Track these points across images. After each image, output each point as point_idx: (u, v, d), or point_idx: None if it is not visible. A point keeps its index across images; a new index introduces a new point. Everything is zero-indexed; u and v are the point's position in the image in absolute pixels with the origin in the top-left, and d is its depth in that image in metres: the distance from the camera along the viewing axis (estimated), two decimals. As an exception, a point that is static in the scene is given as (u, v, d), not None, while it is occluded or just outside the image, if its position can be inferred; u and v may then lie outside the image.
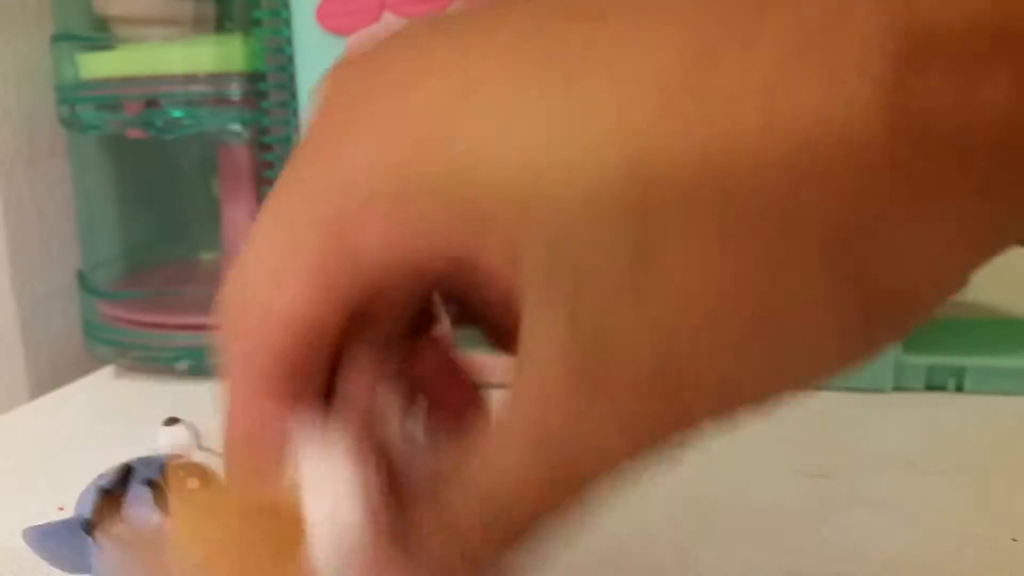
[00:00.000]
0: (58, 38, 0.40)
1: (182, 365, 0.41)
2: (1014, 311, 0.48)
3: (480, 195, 0.13)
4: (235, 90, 0.38)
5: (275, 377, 0.16)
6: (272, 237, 0.15)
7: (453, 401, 0.18)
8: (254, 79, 0.37)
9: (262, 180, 0.40)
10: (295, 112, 0.37)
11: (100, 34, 0.41)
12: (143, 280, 0.46)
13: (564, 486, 0.14)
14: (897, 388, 0.38)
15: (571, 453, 0.14)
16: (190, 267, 0.47)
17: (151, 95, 0.38)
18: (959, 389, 0.37)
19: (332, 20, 0.36)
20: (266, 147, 0.38)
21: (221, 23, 0.40)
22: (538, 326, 0.14)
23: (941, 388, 0.38)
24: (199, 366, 0.41)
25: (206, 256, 0.46)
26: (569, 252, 0.13)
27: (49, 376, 0.47)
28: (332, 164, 0.15)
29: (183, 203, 0.45)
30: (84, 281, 0.44)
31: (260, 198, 0.39)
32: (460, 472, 0.15)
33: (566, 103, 0.13)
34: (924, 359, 0.37)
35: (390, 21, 0.36)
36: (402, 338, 0.17)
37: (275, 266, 0.15)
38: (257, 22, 0.37)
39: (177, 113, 0.38)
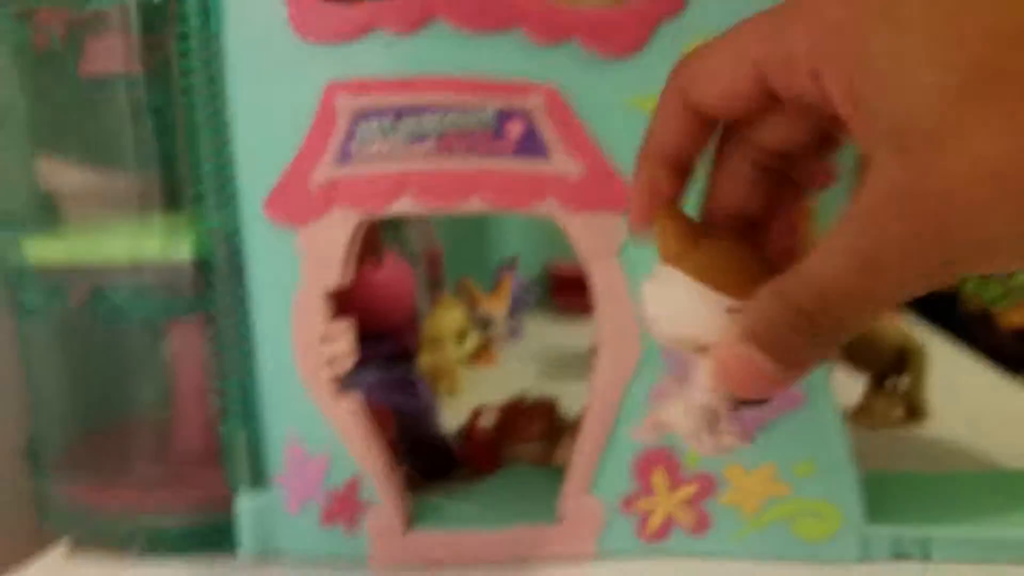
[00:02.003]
0: (2, 224, 0.40)
1: (137, 545, 0.40)
2: (989, 459, 0.48)
3: (866, 80, 0.19)
4: (182, 278, 0.37)
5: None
6: (730, 47, 0.23)
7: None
8: (201, 267, 0.37)
9: (213, 353, 0.39)
10: (243, 300, 0.37)
11: (46, 214, 0.41)
12: (97, 450, 0.44)
13: (873, 297, 0.20)
14: (863, 558, 0.37)
15: (882, 273, 0.19)
16: (145, 432, 0.45)
17: (96, 283, 0.37)
18: (926, 557, 0.37)
19: (280, 210, 0.36)
20: (214, 331, 0.37)
21: (170, 202, 0.40)
22: (876, 169, 0.19)
23: (908, 556, 0.37)
24: (156, 545, 0.40)
25: (161, 415, 0.45)
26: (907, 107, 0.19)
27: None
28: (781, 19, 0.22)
29: (134, 370, 0.44)
30: (33, 455, 0.43)
31: (208, 368, 0.38)
32: (798, 274, 0.21)
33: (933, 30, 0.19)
34: (889, 529, 0.37)
35: (337, 216, 0.36)
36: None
37: (720, 62, 0.23)
38: (200, 201, 0.36)
39: (122, 302, 0.37)
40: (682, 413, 0.24)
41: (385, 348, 0.64)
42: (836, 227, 0.20)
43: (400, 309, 0.69)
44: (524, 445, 0.43)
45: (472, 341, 0.61)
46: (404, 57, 0.35)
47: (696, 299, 0.23)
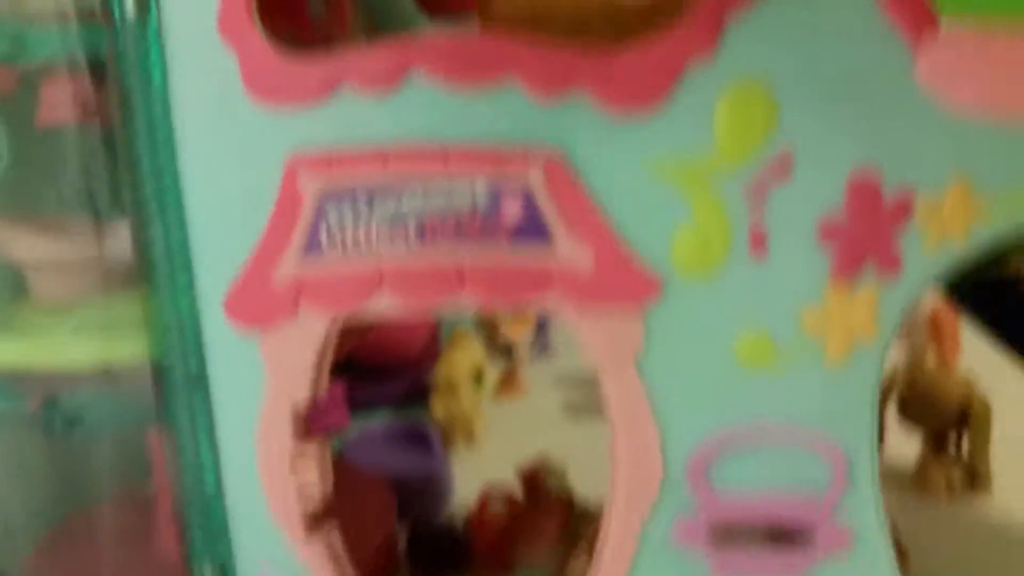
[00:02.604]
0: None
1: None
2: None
3: None
4: (141, 383, 0.33)
5: None
6: None
7: None
8: (159, 372, 0.32)
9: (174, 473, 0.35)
10: (205, 412, 0.32)
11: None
12: (61, 560, 0.41)
13: None
14: None
15: None
16: (112, 543, 0.42)
17: (50, 390, 0.33)
18: None
19: (241, 312, 0.31)
20: (174, 447, 0.33)
21: (139, 276, 0.35)
22: None
23: None
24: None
25: (133, 523, 0.41)
26: None
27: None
28: None
29: (100, 478, 0.40)
30: None
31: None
32: None
33: None
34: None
35: (304, 319, 0.30)
36: None
37: None
38: (154, 294, 0.31)
39: (78, 409, 0.33)
40: None
41: (398, 386, 0.60)
42: None
43: (418, 336, 0.64)
44: (538, 548, 0.38)
45: (491, 380, 0.56)
46: (377, 122, 0.29)
47: None
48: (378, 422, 0.54)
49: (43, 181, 0.36)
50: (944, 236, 0.29)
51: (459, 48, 0.28)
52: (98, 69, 0.33)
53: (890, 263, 0.29)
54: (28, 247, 0.37)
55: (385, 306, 0.30)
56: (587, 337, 0.30)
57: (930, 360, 0.60)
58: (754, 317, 0.30)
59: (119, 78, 0.30)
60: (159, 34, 0.29)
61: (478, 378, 0.55)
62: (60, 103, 0.34)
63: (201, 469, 0.33)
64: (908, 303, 0.30)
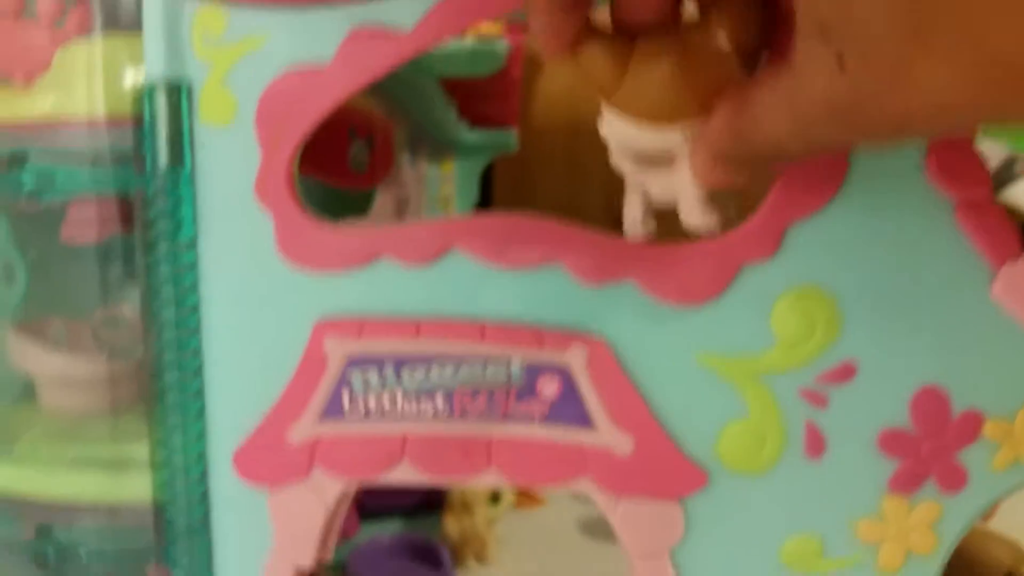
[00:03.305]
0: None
1: None
2: None
3: None
4: (141, 523, 0.31)
5: None
6: None
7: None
8: (161, 513, 0.31)
9: None
10: (206, 561, 0.30)
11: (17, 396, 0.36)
12: None
13: (797, 140, 0.21)
14: None
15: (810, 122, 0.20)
16: None
17: (45, 520, 0.31)
18: None
19: (251, 468, 0.29)
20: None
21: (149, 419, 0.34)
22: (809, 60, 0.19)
23: None
24: None
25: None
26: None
27: None
28: None
29: None
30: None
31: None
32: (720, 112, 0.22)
33: None
34: None
35: (316, 482, 0.29)
36: None
37: None
38: (163, 437, 0.30)
39: (71, 543, 0.31)
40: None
41: (413, 494, 0.57)
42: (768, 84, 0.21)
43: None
44: None
45: (508, 499, 0.54)
46: (412, 294, 0.28)
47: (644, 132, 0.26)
48: (388, 532, 0.52)
49: (63, 296, 0.35)
50: (1016, 456, 0.27)
51: (505, 230, 0.26)
52: (127, 205, 0.32)
53: (954, 480, 0.27)
54: (40, 361, 0.36)
55: (406, 477, 0.28)
56: (621, 524, 0.28)
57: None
58: (804, 518, 0.28)
59: (148, 223, 0.29)
60: (192, 184, 0.27)
61: (495, 498, 0.52)
62: (86, 222, 0.33)
63: (197, 619, 0.31)
64: (973, 518, 0.28)
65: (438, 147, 0.59)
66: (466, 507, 0.51)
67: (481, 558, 0.52)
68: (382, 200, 0.53)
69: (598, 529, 0.59)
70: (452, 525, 0.51)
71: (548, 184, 0.89)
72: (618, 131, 0.31)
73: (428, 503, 0.56)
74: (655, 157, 0.30)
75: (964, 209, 0.25)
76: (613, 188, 0.35)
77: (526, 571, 0.47)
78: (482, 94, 0.58)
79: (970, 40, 0.16)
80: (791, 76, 0.20)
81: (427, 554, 0.50)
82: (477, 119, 0.58)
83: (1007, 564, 0.44)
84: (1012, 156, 1.18)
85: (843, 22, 0.18)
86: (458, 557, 0.51)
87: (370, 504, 0.55)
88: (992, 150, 1.19)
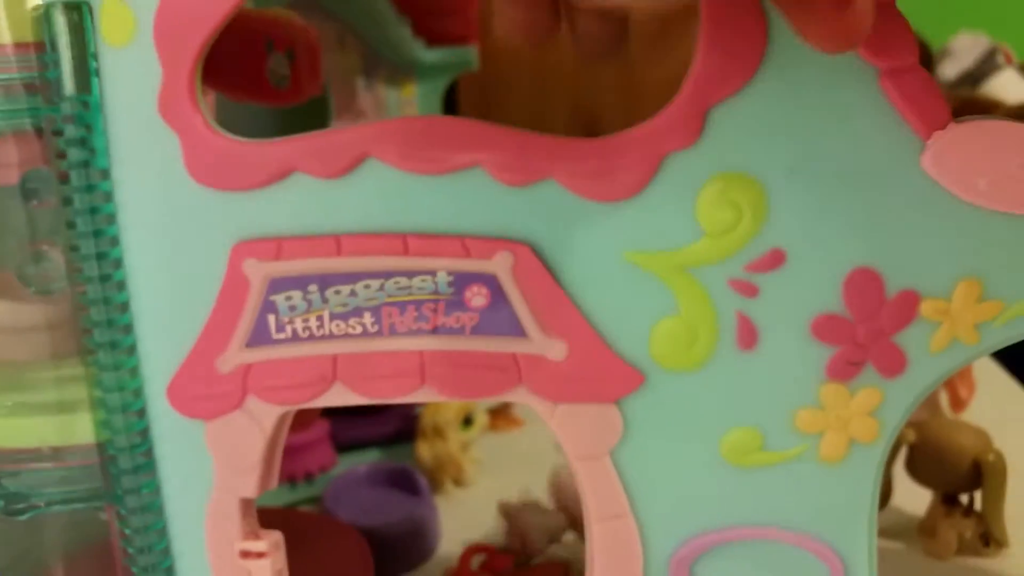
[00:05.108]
0: None
1: None
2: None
3: None
4: (88, 463, 0.31)
5: None
6: None
7: None
8: (105, 452, 0.30)
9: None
10: (154, 499, 0.30)
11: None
12: None
13: None
14: None
15: None
16: None
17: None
18: None
19: (183, 401, 0.29)
20: (123, 530, 0.31)
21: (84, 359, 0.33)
22: None
23: None
24: None
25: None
26: None
27: None
28: None
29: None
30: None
31: None
32: None
33: None
34: None
35: (251, 410, 0.28)
36: None
37: None
38: (97, 375, 0.29)
39: (20, 489, 0.31)
40: None
41: (389, 424, 0.57)
42: None
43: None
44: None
45: (481, 421, 0.54)
46: (330, 208, 0.27)
47: None
48: (367, 462, 0.52)
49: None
50: (954, 335, 0.26)
51: (421, 133, 0.25)
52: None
53: (892, 363, 0.26)
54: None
55: (339, 398, 0.28)
56: (559, 429, 0.28)
57: (943, 402, 0.57)
58: (742, 412, 0.28)
59: (61, 153, 0.28)
60: (101, 111, 0.26)
61: (467, 420, 0.52)
62: (5, 164, 0.32)
63: (151, 553, 0.31)
64: (914, 402, 0.27)
65: (395, 69, 0.57)
66: (438, 432, 0.51)
67: (459, 482, 0.52)
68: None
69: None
70: (425, 451, 0.51)
71: (515, 102, 0.87)
72: None
73: (405, 432, 0.56)
74: None
75: (890, 77, 0.24)
76: (583, 102, 0.34)
77: (505, 492, 0.48)
78: (438, 9, 0.56)
79: None
80: None
81: (404, 481, 0.50)
82: (435, 37, 0.56)
83: (973, 452, 0.44)
84: (993, 47, 1.16)
85: None
86: (435, 482, 0.52)
87: (346, 437, 0.56)
88: (973, 41, 1.17)
